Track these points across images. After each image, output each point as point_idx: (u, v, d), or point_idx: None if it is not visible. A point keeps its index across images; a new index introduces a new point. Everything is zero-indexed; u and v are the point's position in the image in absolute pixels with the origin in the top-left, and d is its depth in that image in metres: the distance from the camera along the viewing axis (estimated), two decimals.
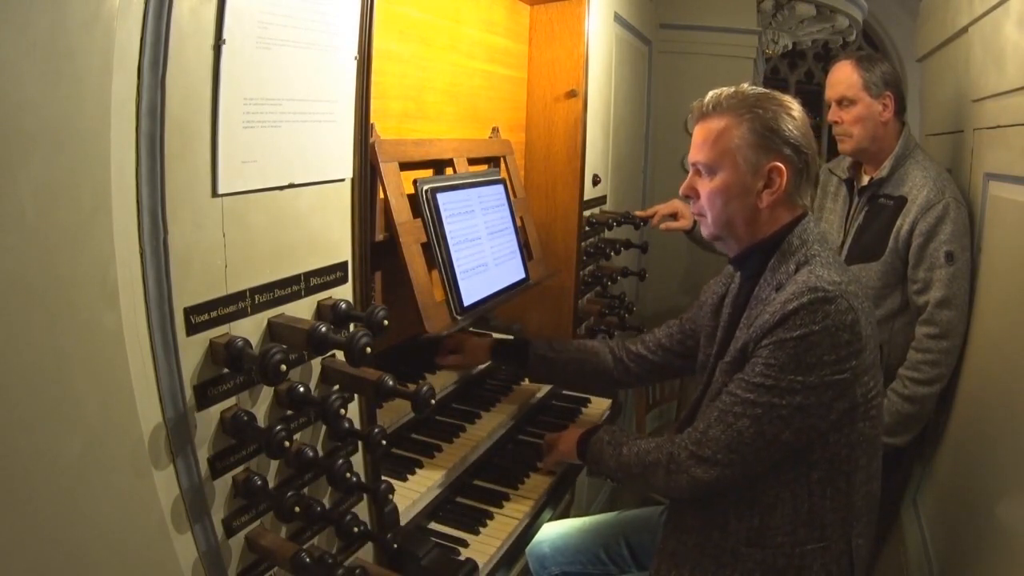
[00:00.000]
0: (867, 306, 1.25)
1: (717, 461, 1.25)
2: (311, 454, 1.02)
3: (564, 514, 2.34)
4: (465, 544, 1.41)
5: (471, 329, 2.02)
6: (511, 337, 1.98)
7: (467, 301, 1.62)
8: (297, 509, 0.99)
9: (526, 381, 1.98)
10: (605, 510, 2.95)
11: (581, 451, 1.53)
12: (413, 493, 1.40)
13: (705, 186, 1.34)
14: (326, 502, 1.15)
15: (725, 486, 1.28)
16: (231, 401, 0.96)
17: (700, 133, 1.33)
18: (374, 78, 1.15)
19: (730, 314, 1.42)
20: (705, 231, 1.39)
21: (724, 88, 1.33)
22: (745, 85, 1.33)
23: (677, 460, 1.31)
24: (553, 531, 1.81)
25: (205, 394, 0.92)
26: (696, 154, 1.34)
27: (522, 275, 1.90)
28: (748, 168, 1.28)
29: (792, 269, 1.27)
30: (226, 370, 0.94)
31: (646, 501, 2.85)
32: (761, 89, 1.33)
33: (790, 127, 1.27)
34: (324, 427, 1.13)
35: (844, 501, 1.28)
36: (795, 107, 1.30)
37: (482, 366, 1.89)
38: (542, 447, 1.69)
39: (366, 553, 1.25)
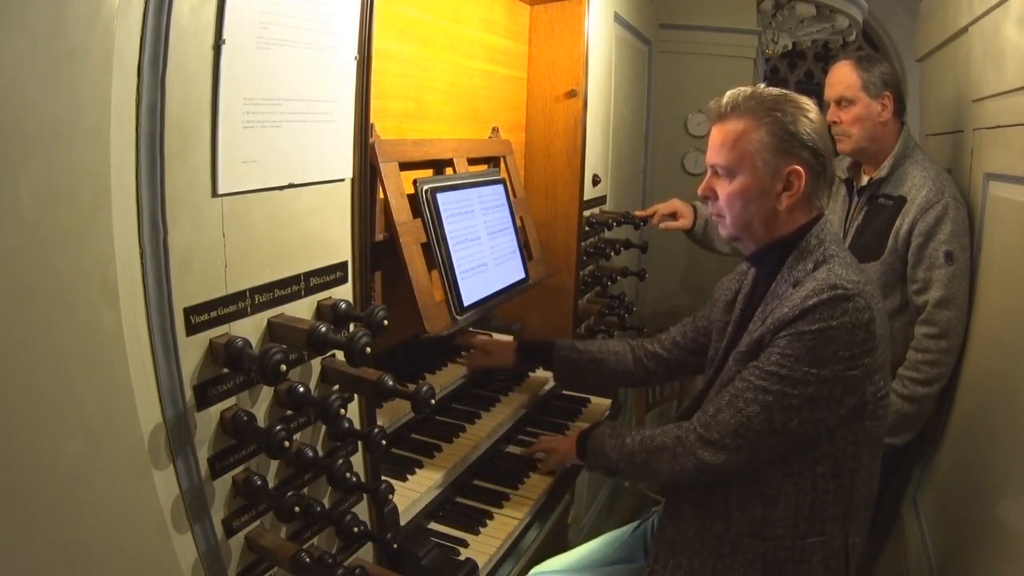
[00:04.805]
0: (883, 307, 1.27)
1: (725, 445, 1.27)
2: (311, 454, 1.02)
3: (564, 514, 2.34)
4: (465, 544, 1.42)
5: (470, 329, 2.02)
6: (536, 339, 1.99)
7: (467, 301, 1.63)
8: (297, 509, 0.99)
9: (526, 380, 1.99)
10: (605, 510, 2.96)
11: (581, 448, 1.53)
12: (413, 493, 1.41)
13: (724, 188, 1.34)
14: (326, 502, 1.15)
15: (730, 472, 1.29)
16: (231, 401, 0.96)
17: (718, 135, 1.34)
18: (374, 78, 1.15)
19: (743, 309, 1.44)
20: (724, 231, 1.40)
21: (741, 88, 1.33)
22: (762, 86, 1.34)
23: (685, 443, 1.32)
24: None
25: (205, 394, 0.92)
26: (714, 156, 1.34)
27: (522, 275, 1.90)
28: (767, 171, 1.29)
29: (810, 267, 1.28)
30: (226, 370, 0.94)
31: (641, 508, 2.85)
32: (778, 90, 1.33)
33: (808, 130, 1.28)
34: (324, 427, 1.13)
35: (846, 496, 1.29)
36: (812, 109, 1.31)
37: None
38: (532, 452, 1.70)
39: (366, 553, 1.25)
